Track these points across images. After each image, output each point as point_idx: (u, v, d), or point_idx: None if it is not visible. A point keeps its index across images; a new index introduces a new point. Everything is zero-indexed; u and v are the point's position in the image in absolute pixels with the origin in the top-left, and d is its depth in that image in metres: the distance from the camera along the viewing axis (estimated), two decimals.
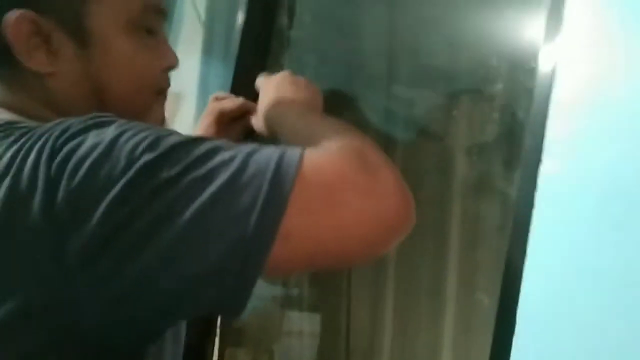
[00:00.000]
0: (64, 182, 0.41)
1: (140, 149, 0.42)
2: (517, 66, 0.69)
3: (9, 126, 0.48)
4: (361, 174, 0.43)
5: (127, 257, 0.40)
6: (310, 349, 0.98)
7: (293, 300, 1.01)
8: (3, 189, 0.42)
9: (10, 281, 0.43)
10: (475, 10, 0.75)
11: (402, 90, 0.83)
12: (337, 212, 0.42)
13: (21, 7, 0.51)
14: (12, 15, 0.51)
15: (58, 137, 0.43)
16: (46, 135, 0.44)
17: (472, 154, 0.72)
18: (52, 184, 0.41)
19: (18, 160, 0.43)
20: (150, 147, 0.42)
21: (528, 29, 0.69)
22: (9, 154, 0.44)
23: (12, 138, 0.46)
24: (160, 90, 0.59)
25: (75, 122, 0.45)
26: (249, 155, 0.43)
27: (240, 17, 1.04)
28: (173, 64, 0.59)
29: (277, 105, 0.65)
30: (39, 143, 0.43)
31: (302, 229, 0.41)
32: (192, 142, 0.44)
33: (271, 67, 0.99)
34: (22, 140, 0.45)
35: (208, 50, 1.47)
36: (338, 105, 0.82)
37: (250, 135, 0.75)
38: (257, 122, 0.71)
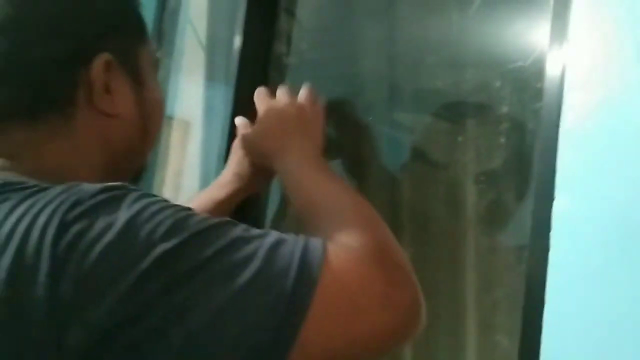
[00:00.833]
0: (72, 265, 0.38)
1: (157, 235, 0.39)
2: (523, 87, 0.65)
3: (6, 188, 0.45)
4: (382, 283, 0.42)
5: (132, 352, 0.38)
6: None
7: None
8: (5, 264, 0.39)
9: None
10: (477, 31, 0.72)
11: (404, 115, 0.80)
12: (356, 325, 0.41)
13: (94, 46, 0.51)
14: (102, 58, 0.51)
15: (66, 212, 0.40)
16: (52, 207, 0.41)
17: (480, 182, 0.68)
18: (59, 264, 0.38)
19: (21, 232, 0.40)
20: (168, 234, 0.40)
21: (533, 47, 0.65)
22: (8, 224, 0.41)
23: (10, 203, 0.43)
24: None
25: (86, 196, 0.42)
26: (272, 250, 0.41)
27: (237, 41, 1.03)
28: None
29: (282, 152, 0.64)
30: (45, 215, 0.40)
31: (319, 339, 0.40)
32: (212, 229, 0.41)
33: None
34: (23, 207, 0.41)
35: (211, 75, 1.46)
36: (338, 128, 0.79)
37: None
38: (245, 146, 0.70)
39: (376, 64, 0.85)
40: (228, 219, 0.45)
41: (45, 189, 0.43)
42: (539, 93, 0.59)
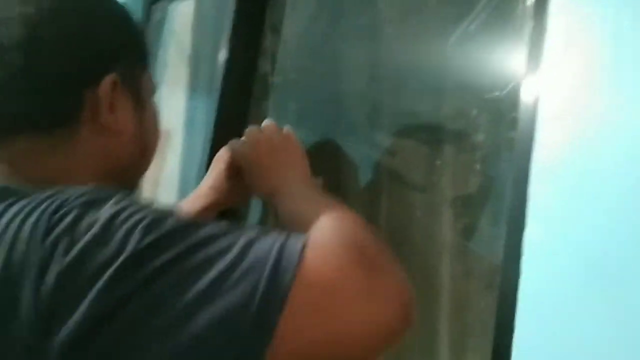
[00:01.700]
0: (56, 264, 0.40)
1: (136, 232, 0.41)
2: (498, 116, 0.68)
3: (4, 193, 0.47)
4: (363, 275, 0.42)
5: (114, 345, 0.39)
6: None
7: None
8: None
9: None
10: (457, 60, 0.74)
11: (384, 137, 0.82)
12: (336, 317, 0.40)
13: (103, 67, 0.53)
14: (110, 79, 0.53)
15: (53, 214, 0.42)
16: (42, 207, 0.43)
17: (456, 206, 0.70)
18: (44, 263, 0.40)
19: (10, 234, 0.42)
20: (145, 231, 0.41)
21: (510, 77, 0.67)
22: (1, 225, 0.43)
23: (4, 205, 0.45)
24: None
25: (71, 198, 0.43)
26: (248, 245, 0.41)
27: (222, 54, 1.04)
28: None
29: (276, 180, 0.67)
30: (33, 217, 0.42)
31: (297, 331, 0.40)
32: (190, 226, 0.43)
33: (254, 112, 0.98)
34: (11, 211, 0.43)
35: (194, 86, 1.47)
36: (319, 155, 0.81)
37: None
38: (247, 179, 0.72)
39: (359, 86, 0.87)
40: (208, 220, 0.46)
41: (38, 193, 0.45)
42: (514, 122, 0.61)
